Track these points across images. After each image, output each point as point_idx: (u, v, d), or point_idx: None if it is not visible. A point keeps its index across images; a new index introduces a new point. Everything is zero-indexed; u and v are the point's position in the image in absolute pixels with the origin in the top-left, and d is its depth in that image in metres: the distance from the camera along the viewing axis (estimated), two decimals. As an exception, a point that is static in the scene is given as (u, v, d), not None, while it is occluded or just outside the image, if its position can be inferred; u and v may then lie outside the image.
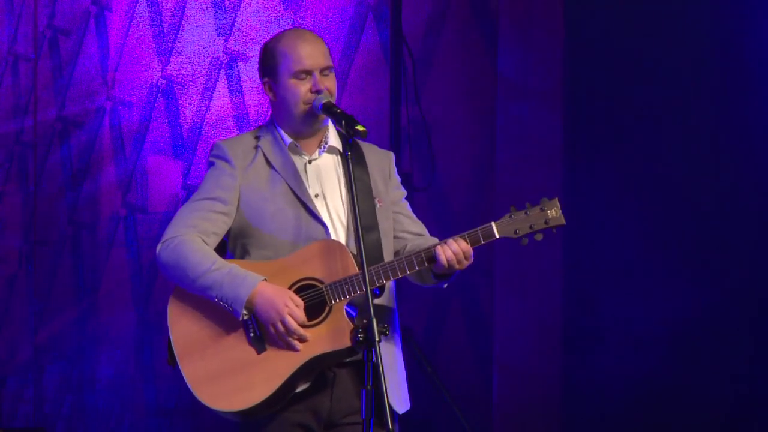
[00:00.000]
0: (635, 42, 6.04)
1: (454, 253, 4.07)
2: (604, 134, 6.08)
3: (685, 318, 5.90)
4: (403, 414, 4.22)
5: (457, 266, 4.08)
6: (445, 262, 4.06)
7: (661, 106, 5.98)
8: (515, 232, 4.13)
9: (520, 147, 6.29)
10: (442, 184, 6.53)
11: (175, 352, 4.12)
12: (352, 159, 4.06)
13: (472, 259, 4.11)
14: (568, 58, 6.20)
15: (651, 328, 5.97)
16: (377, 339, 3.82)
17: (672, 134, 5.95)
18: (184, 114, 7.88)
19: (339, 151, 4.28)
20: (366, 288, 3.86)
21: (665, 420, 5.95)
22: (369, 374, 3.83)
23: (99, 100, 8.42)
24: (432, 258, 4.08)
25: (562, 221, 4.16)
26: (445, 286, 4.22)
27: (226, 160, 4.22)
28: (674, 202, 5.94)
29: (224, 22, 7.68)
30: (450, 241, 4.08)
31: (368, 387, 3.83)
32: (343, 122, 4.05)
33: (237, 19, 7.60)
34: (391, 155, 4.40)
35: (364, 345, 3.87)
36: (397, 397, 4.17)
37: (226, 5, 7.66)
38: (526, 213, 4.15)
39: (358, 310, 4.04)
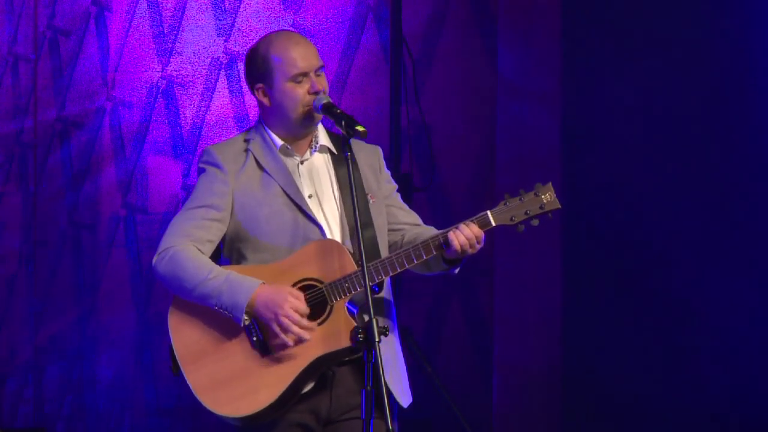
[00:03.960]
0: (634, 42, 6.04)
1: (467, 238, 4.07)
2: (604, 135, 6.09)
3: (686, 318, 5.90)
4: (403, 413, 4.22)
5: (469, 251, 4.09)
6: (458, 247, 4.06)
7: (661, 107, 5.98)
8: (511, 219, 4.14)
9: (520, 147, 6.29)
10: (442, 184, 6.53)
11: (178, 361, 4.11)
12: (352, 159, 4.07)
13: (483, 243, 4.11)
14: (568, 58, 6.20)
15: (651, 328, 5.97)
16: (377, 339, 3.82)
17: (672, 134, 5.95)
18: (184, 114, 7.89)
19: (329, 149, 4.28)
20: (366, 287, 3.86)
21: (666, 420, 5.95)
22: (369, 374, 3.83)
23: (99, 100, 8.42)
24: (440, 245, 4.08)
25: (557, 205, 4.17)
26: (457, 271, 4.22)
27: (216, 165, 4.21)
28: (676, 202, 5.94)
29: (224, 22, 7.68)
30: (462, 226, 4.08)
31: (368, 387, 3.83)
32: (343, 122, 4.04)
33: (237, 20, 7.61)
34: (379, 150, 4.40)
35: (364, 345, 3.87)
36: (401, 390, 4.18)
37: (226, 6, 7.67)
38: (520, 199, 4.15)
39: (359, 307, 4.04)
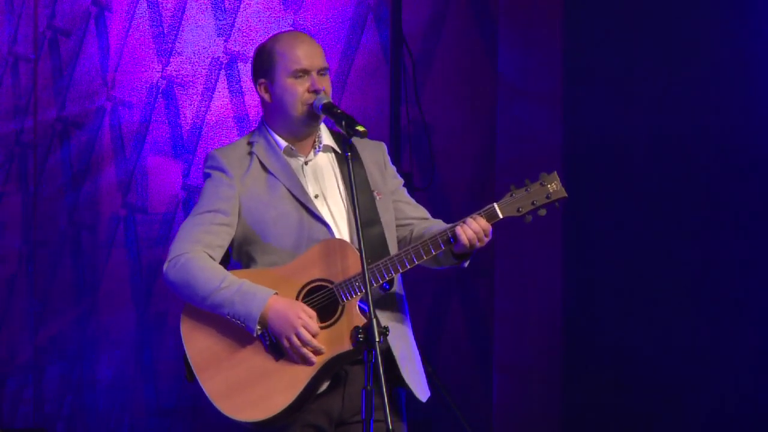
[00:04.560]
0: (635, 42, 6.04)
1: (475, 232, 4.06)
2: (604, 134, 6.09)
3: (685, 317, 5.90)
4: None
5: (477, 244, 4.08)
6: (466, 242, 4.05)
7: (661, 107, 5.98)
8: (518, 210, 4.12)
9: (520, 147, 6.29)
10: (442, 184, 6.53)
11: (192, 368, 4.11)
12: (353, 160, 4.07)
13: (491, 236, 4.10)
14: (568, 59, 6.20)
15: (651, 328, 5.97)
16: (377, 339, 3.82)
17: (672, 134, 5.96)
18: (184, 114, 7.89)
19: (333, 148, 4.28)
20: (367, 287, 3.86)
21: (666, 420, 5.95)
22: (369, 374, 3.83)
23: (99, 100, 8.42)
24: (448, 240, 4.07)
25: (564, 194, 4.15)
26: (466, 265, 4.21)
27: (222, 170, 4.21)
28: (676, 203, 5.94)
29: (224, 22, 7.68)
30: (469, 220, 4.07)
31: (368, 387, 3.83)
32: (343, 122, 4.05)
33: (237, 20, 7.61)
34: (383, 145, 4.39)
35: (364, 345, 3.87)
36: (419, 385, 4.17)
37: (226, 6, 7.67)
38: (526, 190, 4.14)
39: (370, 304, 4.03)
